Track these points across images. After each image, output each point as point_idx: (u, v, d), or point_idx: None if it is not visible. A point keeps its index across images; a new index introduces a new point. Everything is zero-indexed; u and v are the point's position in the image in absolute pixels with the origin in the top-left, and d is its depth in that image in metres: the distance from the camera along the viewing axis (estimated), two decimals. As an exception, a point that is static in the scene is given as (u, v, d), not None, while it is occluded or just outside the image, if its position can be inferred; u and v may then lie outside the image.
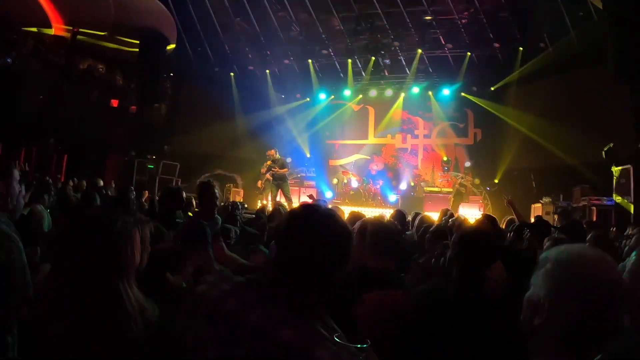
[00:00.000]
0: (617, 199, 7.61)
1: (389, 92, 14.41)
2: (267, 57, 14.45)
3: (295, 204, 9.72)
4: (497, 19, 11.98)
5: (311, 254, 1.15)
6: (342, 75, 14.63)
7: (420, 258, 3.11)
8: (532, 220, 6.65)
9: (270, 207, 8.61)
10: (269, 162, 10.73)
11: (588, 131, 9.28)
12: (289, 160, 13.31)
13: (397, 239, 2.18)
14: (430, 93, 13.99)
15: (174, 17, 12.51)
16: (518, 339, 1.27)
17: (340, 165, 15.07)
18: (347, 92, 14.74)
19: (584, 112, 9.85)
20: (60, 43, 11.64)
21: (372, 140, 15.15)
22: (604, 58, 7.42)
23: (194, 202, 6.76)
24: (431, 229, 3.26)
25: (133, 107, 12.79)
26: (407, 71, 13.87)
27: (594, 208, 8.18)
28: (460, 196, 11.60)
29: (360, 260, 2.01)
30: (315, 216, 1.22)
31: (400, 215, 4.91)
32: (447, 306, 1.71)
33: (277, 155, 10.98)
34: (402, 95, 14.31)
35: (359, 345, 1.04)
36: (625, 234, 4.50)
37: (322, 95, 14.99)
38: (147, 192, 6.62)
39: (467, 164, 13.42)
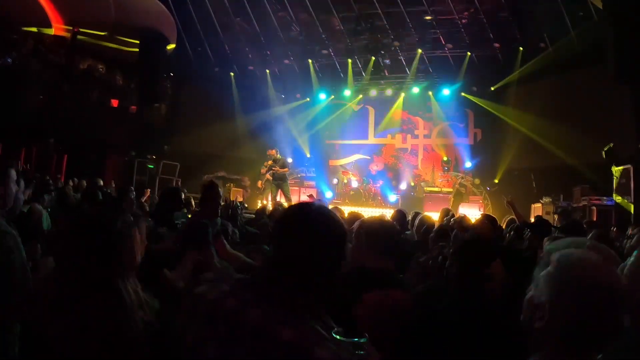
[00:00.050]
0: (618, 199, 7.61)
1: (389, 92, 14.40)
2: (267, 57, 14.45)
3: (295, 204, 9.71)
4: (497, 19, 11.98)
5: (307, 251, 1.15)
6: (342, 75, 14.63)
7: (421, 257, 3.12)
8: (532, 220, 6.65)
9: (270, 207, 8.61)
10: (269, 162, 10.73)
11: (588, 131, 9.28)
12: (289, 160, 13.33)
13: (396, 239, 2.18)
14: (430, 93, 13.99)
15: (174, 17, 12.51)
16: (518, 339, 1.27)
17: (340, 165, 15.08)
18: (347, 92, 14.73)
19: (584, 112, 9.85)
20: (60, 43, 11.64)
21: (372, 140, 15.15)
22: (604, 58, 7.42)
23: (193, 202, 6.77)
24: (435, 228, 3.25)
25: (133, 107, 12.79)
26: (407, 71, 13.87)
27: (594, 208, 8.18)
28: (460, 196, 11.60)
29: (359, 260, 2.01)
30: (309, 214, 1.22)
31: (400, 215, 4.91)
32: (447, 306, 1.71)
33: (278, 155, 10.98)
34: (402, 95, 14.30)
35: (355, 340, 1.04)
36: (627, 234, 4.50)
37: (322, 95, 14.99)
38: (148, 190, 6.62)
39: (467, 164, 13.41)
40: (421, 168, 14.47)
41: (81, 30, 11.73)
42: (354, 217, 3.72)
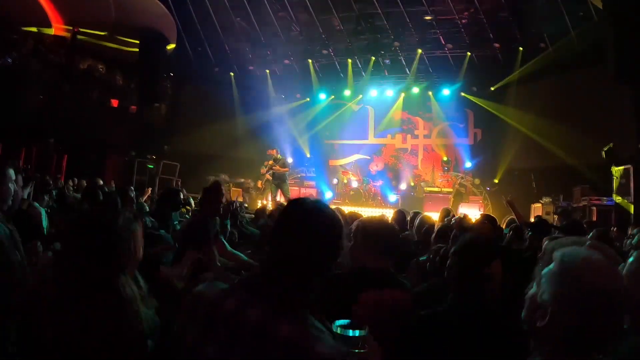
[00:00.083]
0: (618, 199, 7.61)
1: (389, 92, 14.41)
2: (267, 57, 14.45)
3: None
4: (497, 19, 11.98)
5: (306, 251, 1.16)
6: (342, 75, 14.62)
7: (421, 258, 3.11)
8: (532, 220, 6.64)
9: (270, 207, 8.61)
10: (270, 162, 10.72)
11: (588, 131, 9.28)
12: (289, 160, 13.33)
13: (396, 239, 2.18)
14: (430, 93, 13.98)
15: (174, 17, 12.51)
16: (518, 339, 1.27)
17: (340, 165, 15.07)
18: (347, 92, 14.73)
19: (584, 112, 9.85)
20: (60, 43, 11.64)
21: (372, 140, 15.15)
22: (604, 58, 7.42)
23: (193, 202, 6.77)
24: (436, 228, 3.25)
25: (133, 107, 12.79)
26: (407, 71, 13.86)
27: (594, 208, 8.19)
28: (460, 196, 11.60)
29: (359, 260, 2.01)
30: (308, 213, 1.22)
31: (401, 216, 4.90)
32: (447, 306, 1.71)
33: (278, 155, 10.99)
34: (402, 95, 14.30)
35: (357, 334, 1.04)
36: (627, 233, 4.50)
37: (322, 95, 14.98)
38: (149, 189, 6.62)
39: (467, 164, 13.41)
40: (421, 168, 14.47)
41: (81, 30, 11.73)
42: (353, 217, 3.72)
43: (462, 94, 13.50)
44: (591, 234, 3.40)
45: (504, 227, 5.20)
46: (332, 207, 1.34)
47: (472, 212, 9.86)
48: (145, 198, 6.01)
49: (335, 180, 14.31)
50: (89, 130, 11.13)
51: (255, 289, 1.17)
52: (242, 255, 3.38)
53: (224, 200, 3.47)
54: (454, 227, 3.07)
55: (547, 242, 2.63)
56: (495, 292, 1.72)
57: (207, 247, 2.78)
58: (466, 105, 13.71)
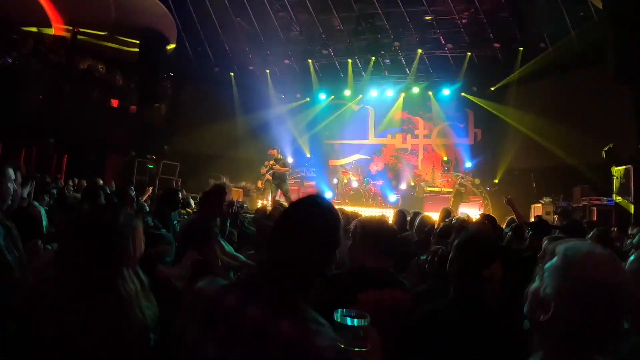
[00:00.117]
0: (618, 199, 7.61)
1: (389, 92, 14.41)
2: (267, 57, 14.45)
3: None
4: (497, 19, 11.98)
5: (307, 251, 1.16)
6: (342, 75, 14.63)
7: (421, 258, 3.11)
8: (532, 220, 6.64)
9: (270, 207, 8.60)
10: (271, 162, 10.72)
11: (588, 131, 9.28)
12: (290, 160, 13.33)
13: (395, 239, 2.18)
14: (430, 93, 13.99)
15: (174, 17, 12.51)
16: (518, 339, 1.27)
17: (340, 165, 15.08)
18: (347, 92, 14.74)
19: (584, 112, 9.85)
20: (60, 43, 11.65)
21: (372, 140, 15.15)
22: (604, 58, 7.43)
23: (192, 203, 6.77)
24: (439, 228, 3.25)
25: (133, 107, 12.79)
26: (407, 71, 13.87)
27: (594, 208, 8.19)
28: (460, 196, 11.60)
29: (359, 260, 2.01)
30: (310, 214, 1.23)
31: (401, 216, 4.90)
32: (447, 306, 1.71)
33: (279, 155, 10.99)
34: (402, 95, 14.31)
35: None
36: (628, 233, 4.50)
37: (322, 95, 14.99)
38: (150, 188, 6.62)
39: (467, 164, 13.41)
40: (421, 168, 14.47)
41: (81, 30, 11.74)
42: (355, 217, 3.72)
43: (462, 94, 13.51)
44: (591, 233, 3.40)
45: (504, 227, 5.20)
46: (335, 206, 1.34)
47: (472, 212, 9.86)
48: (145, 197, 6.01)
49: (335, 180, 14.32)
50: (89, 130, 11.13)
51: (255, 288, 1.17)
52: (240, 256, 3.37)
53: (225, 202, 3.46)
54: (455, 228, 3.07)
55: (547, 242, 2.63)
56: (495, 292, 1.72)
57: (207, 247, 2.78)
58: (466, 105, 13.72)
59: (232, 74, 14.53)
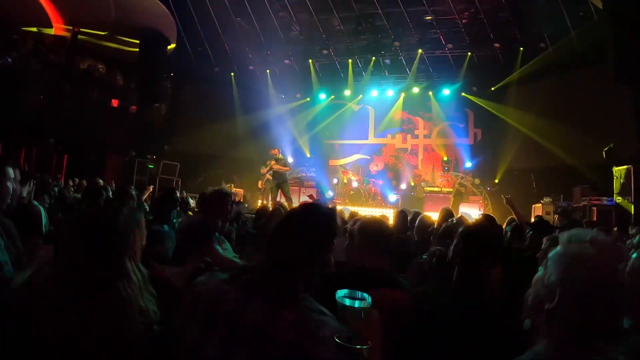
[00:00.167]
0: (618, 199, 7.61)
1: (389, 92, 14.41)
2: (267, 57, 14.45)
3: (296, 204, 9.71)
4: (497, 19, 11.98)
5: (307, 252, 1.18)
6: (342, 75, 14.63)
7: (421, 258, 3.11)
8: (532, 220, 6.64)
9: (270, 207, 8.60)
10: (272, 162, 10.71)
11: (588, 131, 9.28)
12: (290, 160, 13.34)
13: (393, 239, 2.18)
14: (430, 93, 13.99)
15: (174, 17, 12.51)
16: (517, 338, 1.27)
17: (340, 165, 15.07)
18: (347, 92, 14.74)
19: (584, 112, 9.85)
20: (60, 43, 11.65)
21: (372, 140, 15.15)
22: (604, 58, 7.42)
23: (192, 202, 6.76)
24: (441, 228, 3.24)
25: (133, 107, 12.80)
26: (408, 71, 13.87)
27: (594, 208, 8.18)
28: (460, 196, 11.60)
29: (359, 260, 2.01)
30: (312, 216, 1.25)
31: (402, 216, 4.89)
32: (447, 306, 1.71)
33: (280, 154, 10.99)
34: (402, 95, 14.31)
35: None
36: (629, 233, 4.50)
37: (322, 95, 14.99)
38: (150, 187, 6.62)
39: (467, 164, 13.41)
40: (421, 168, 14.47)
41: (81, 30, 11.73)
42: (354, 217, 3.71)
43: (462, 94, 13.51)
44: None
45: (504, 227, 5.20)
46: (338, 207, 1.38)
47: (472, 212, 9.87)
48: (145, 196, 6.00)
49: (335, 180, 14.32)
50: (89, 130, 11.13)
51: (255, 288, 1.17)
52: (238, 261, 3.37)
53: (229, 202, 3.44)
54: (456, 227, 3.07)
55: (546, 244, 2.63)
56: (495, 292, 1.72)
57: (208, 247, 2.77)
58: (466, 105, 13.72)
59: (232, 74, 14.53)
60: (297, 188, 12.57)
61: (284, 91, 15.11)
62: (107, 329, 1.36)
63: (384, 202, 13.06)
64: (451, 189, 12.03)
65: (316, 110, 15.17)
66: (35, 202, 3.86)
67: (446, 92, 13.71)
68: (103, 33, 11.94)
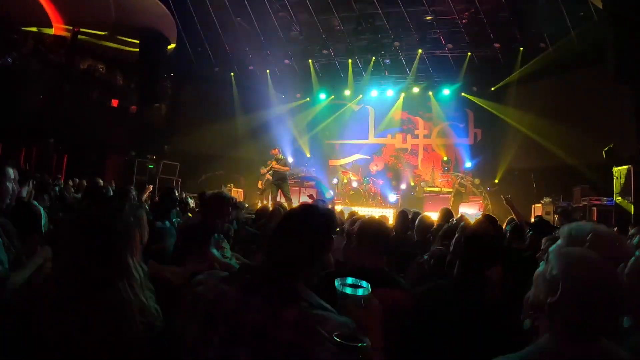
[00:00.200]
0: (618, 199, 7.61)
1: (389, 92, 14.41)
2: (267, 57, 14.45)
3: (296, 203, 9.71)
4: (497, 19, 11.98)
5: (307, 251, 1.18)
6: (342, 75, 14.63)
7: (421, 258, 3.11)
8: (532, 220, 6.64)
9: (270, 207, 8.59)
10: (273, 162, 10.70)
11: (588, 131, 9.28)
12: (290, 160, 13.34)
13: (395, 239, 2.19)
14: (430, 93, 13.99)
15: (174, 17, 12.51)
16: (517, 339, 1.27)
17: (340, 165, 15.07)
18: (347, 92, 14.74)
19: (584, 112, 9.85)
20: (60, 43, 11.65)
21: (372, 140, 15.15)
22: (604, 58, 7.42)
23: (191, 203, 6.76)
24: (444, 229, 3.24)
25: (133, 107, 12.80)
26: (408, 71, 13.87)
27: (594, 208, 8.18)
28: (460, 196, 11.60)
29: (359, 260, 2.01)
30: (311, 216, 1.26)
31: (403, 216, 4.89)
32: (447, 306, 1.71)
33: (280, 154, 10.99)
34: (402, 95, 14.31)
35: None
36: (629, 233, 4.49)
37: (322, 95, 14.99)
38: (150, 186, 6.63)
39: (467, 164, 13.41)
40: (421, 168, 14.47)
41: (81, 30, 11.73)
42: (354, 217, 3.71)
43: (462, 94, 13.51)
44: (589, 236, 3.39)
45: (504, 226, 5.19)
46: (339, 207, 1.39)
47: (472, 212, 9.86)
48: (145, 196, 6.01)
49: (335, 180, 14.32)
50: (89, 130, 11.13)
51: (255, 288, 1.17)
52: (234, 265, 3.38)
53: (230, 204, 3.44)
54: (457, 228, 3.07)
55: (546, 244, 2.63)
56: (495, 292, 1.72)
57: (205, 249, 2.78)
58: (466, 105, 13.72)
59: (232, 74, 14.53)
60: (297, 188, 12.58)
61: (284, 91, 15.11)
62: (107, 329, 1.36)
63: (383, 202, 13.06)
64: (451, 189, 12.03)
65: (316, 110, 15.17)
66: (36, 203, 3.87)
67: (446, 92, 13.72)
68: (103, 33, 11.94)
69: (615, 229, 5.62)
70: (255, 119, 14.02)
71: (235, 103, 14.45)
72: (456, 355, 1.56)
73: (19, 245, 2.05)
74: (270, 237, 1.25)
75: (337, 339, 1.05)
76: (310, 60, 14.21)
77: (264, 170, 11.16)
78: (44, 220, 3.72)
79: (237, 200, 7.40)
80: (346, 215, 5.86)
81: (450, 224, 3.65)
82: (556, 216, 8.47)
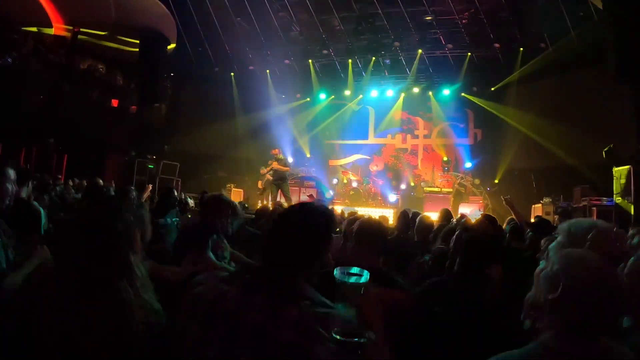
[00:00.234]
0: (618, 199, 7.60)
1: (389, 92, 14.41)
2: (267, 57, 14.45)
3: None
4: (497, 19, 11.99)
5: (307, 251, 1.18)
6: (342, 75, 14.63)
7: (420, 258, 3.11)
8: (532, 220, 6.64)
9: (270, 207, 8.59)
10: (274, 162, 10.70)
11: (588, 131, 9.28)
12: (290, 160, 13.34)
13: (395, 239, 2.19)
14: (430, 93, 14.00)
15: (174, 17, 12.51)
16: (518, 339, 1.27)
17: (340, 165, 15.07)
18: (347, 92, 14.74)
19: (584, 112, 9.85)
20: (60, 43, 11.65)
21: (372, 140, 15.15)
22: (604, 58, 7.42)
23: (191, 203, 6.77)
24: (445, 229, 3.24)
25: (133, 107, 12.80)
26: (408, 71, 13.87)
27: (594, 208, 8.17)
28: (460, 196, 11.59)
29: (357, 260, 2.01)
30: (309, 214, 1.26)
31: (404, 216, 4.89)
32: (447, 306, 1.71)
33: (280, 154, 11.00)
34: (402, 95, 14.31)
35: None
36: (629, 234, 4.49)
37: (322, 95, 14.99)
38: (150, 186, 6.63)
39: (467, 164, 13.41)
40: (421, 168, 14.47)
41: (81, 30, 11.74)
42: (352, 218, 3.71)
43: (463, 94, 13.51)
44: (591, 234, 3.40)
45: (504, 226, 5.19)
46: (339, 207, 1.39)
47: (472, 212, 9.86)
48: (145, 195, 6.01)
49: (335, 180, 14.32)
50: (89, 130, 11.13)
51: (255, 288, 1.17)
52: (229, 267, 3.38)
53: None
54: (458, 228, 3.07)
55: (545, 244, 2.62)
56: (495, 292, 1.72)
57: (204, 250, 2.78)
58: (466, 105, 13.72)
59: (232, 74, 14.53)
60: (297, 188, 12.58)
61: (284, 91, 15.11)
62: (107, 329, 1.36)
63: (383, 202, 13.06)
64: (451, 189, 12.02)
65: (316, 110, 15.16)
66: (35, 203, 3.87)
67: (446, 92, 13.72)
68: (103, 33, 11.95)
69: (616, 229, 5.63)
70: (255, 119, 14.02)
71: (235, 103, 14.45)
72: (456, 355, 1.56)
73: (17, 245, 2.05)
74: (266, 236, 1.26)
75: (337, 337, 1.05)
76: (310, 60, 14.21)
77: (263, 170, 11.16)
78: (43, 220, 3.72)
79: (238, 202, 7.40)
80: (346, 216, 5.86)
81: (451, 224, 3.65)
82: (556, 216, 8.47)
